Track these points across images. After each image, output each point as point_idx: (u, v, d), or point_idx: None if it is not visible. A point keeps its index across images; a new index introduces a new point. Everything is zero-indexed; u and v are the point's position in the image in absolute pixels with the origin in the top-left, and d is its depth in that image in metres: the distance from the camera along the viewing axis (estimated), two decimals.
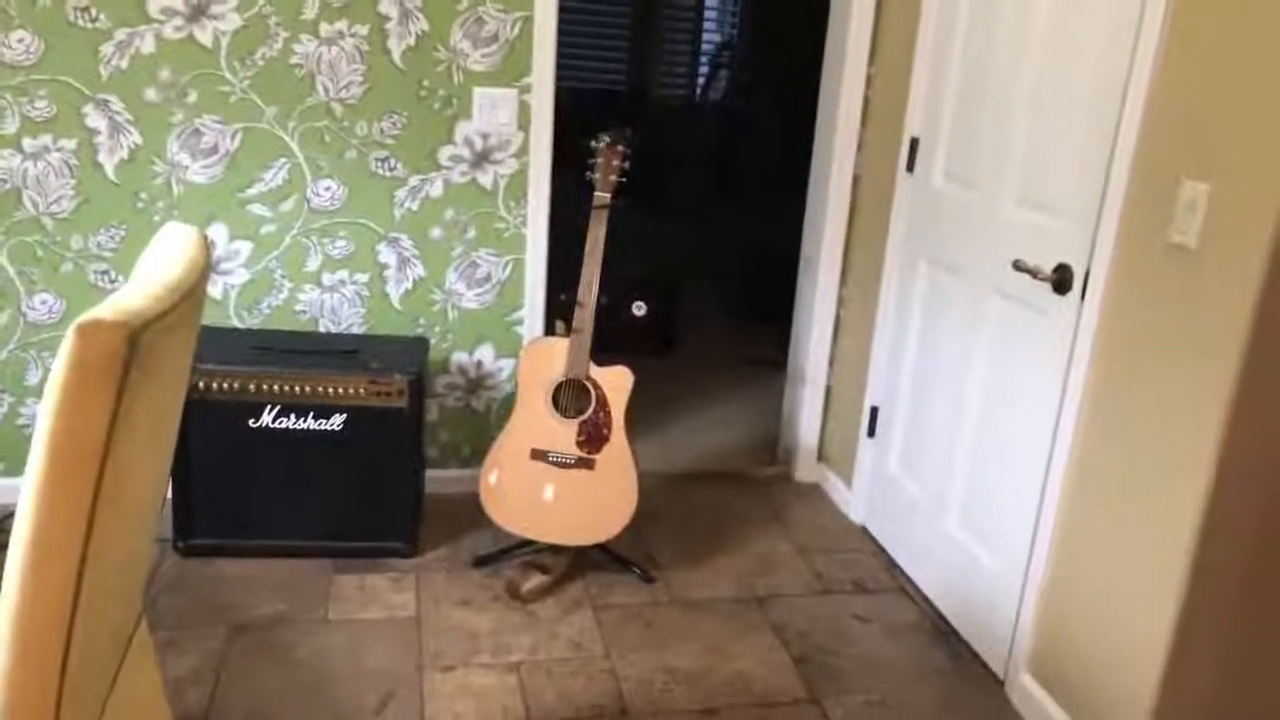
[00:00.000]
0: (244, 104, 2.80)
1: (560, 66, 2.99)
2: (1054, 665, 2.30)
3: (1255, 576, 1.93)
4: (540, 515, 2.71)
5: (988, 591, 2.55)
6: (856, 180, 3.27)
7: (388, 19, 2.80)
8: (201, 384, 2.61)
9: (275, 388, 2.65)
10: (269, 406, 2.65)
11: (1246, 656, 1.99)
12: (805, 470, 3.57)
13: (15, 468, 2.95)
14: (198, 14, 2.70)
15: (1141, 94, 2.01)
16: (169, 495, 2.66)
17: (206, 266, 1.28)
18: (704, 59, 6.88)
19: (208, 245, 1.33)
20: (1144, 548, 2.01)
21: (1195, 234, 1.87)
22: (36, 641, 1.02)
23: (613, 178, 2.64)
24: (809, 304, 3.46)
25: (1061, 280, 2.25)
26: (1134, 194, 2.04)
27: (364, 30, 2.80)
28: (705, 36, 6.85)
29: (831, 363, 3.47)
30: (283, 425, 2.67)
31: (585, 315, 2.63)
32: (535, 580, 2.71)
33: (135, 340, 1.00)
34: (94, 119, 2.73)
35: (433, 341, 3.11)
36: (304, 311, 3.02)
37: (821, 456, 3.56)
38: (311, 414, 2.67)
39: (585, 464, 2.68)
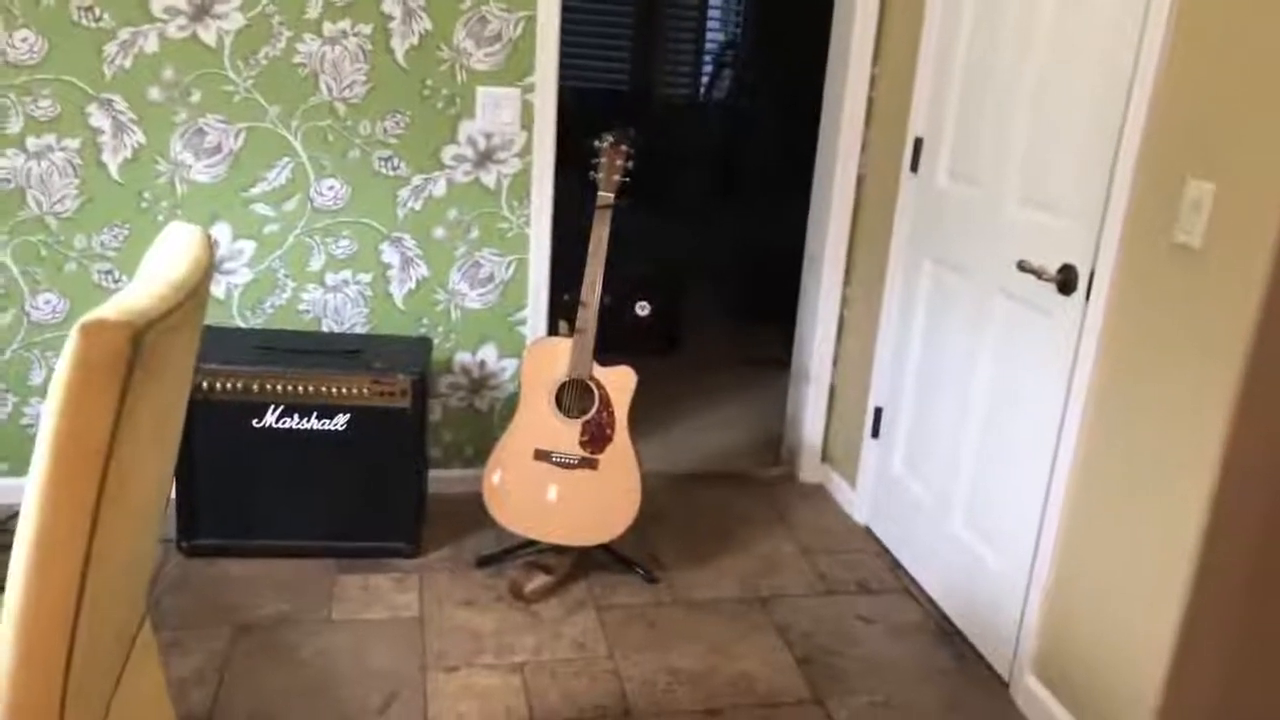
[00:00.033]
0: (247, 103, 2.80)
1: (563, 66, 2.98)
2: (1058, 666, 2.29)
3: (1260, 576, 1.93)
4: (543, 515, 2.71)
5: (992, 592, 2.54)
6: (860, 180, 3.27)
7: (391, 18, 2.80)
8: (205, 384, 2.61)
9: (279, 388, 2.65)
10: (272, 406, 2.65)
11: (1251, 656, 1.98)
12: (809, 471, 3.57)
13: (19, 467, 2.95)
14: (201, 13, 2.70)
15: (1146, 93, 2.00)
16: (173, 495, 2.66)
17: (210, 266, 1.28)
18: (707, 58, 6.88)
19: (211, 245, 1.33)
20: (1148, 548, 2.00)
21: (1200, 234, 1.86)
22: (40, 641, 1.02)
23: (616, 177, 2.64)
24: (813, 304, 3.45)
25: (1066, 280, 2.24)
26: (1138, 194, 2.04)
27: (367, 30, 2.80)
28: (709, 36, 6.85)
29: (835, 363, 3.47)
30: (286, 425, 2.67)
31: (588, 315, 2.63)
32: (538, 580, 2.71)
33: (139, 340, 1.00)
34: (98, 118, 2.73)
35: (436, 341, 3.11)
36: (307, 311, 3.01)
37: (825, 457, 3.56)
38: (315, 414, 2.67)
39: (588, 464, 2.68)
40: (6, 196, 2.75)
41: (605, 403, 2.66)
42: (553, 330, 3.23)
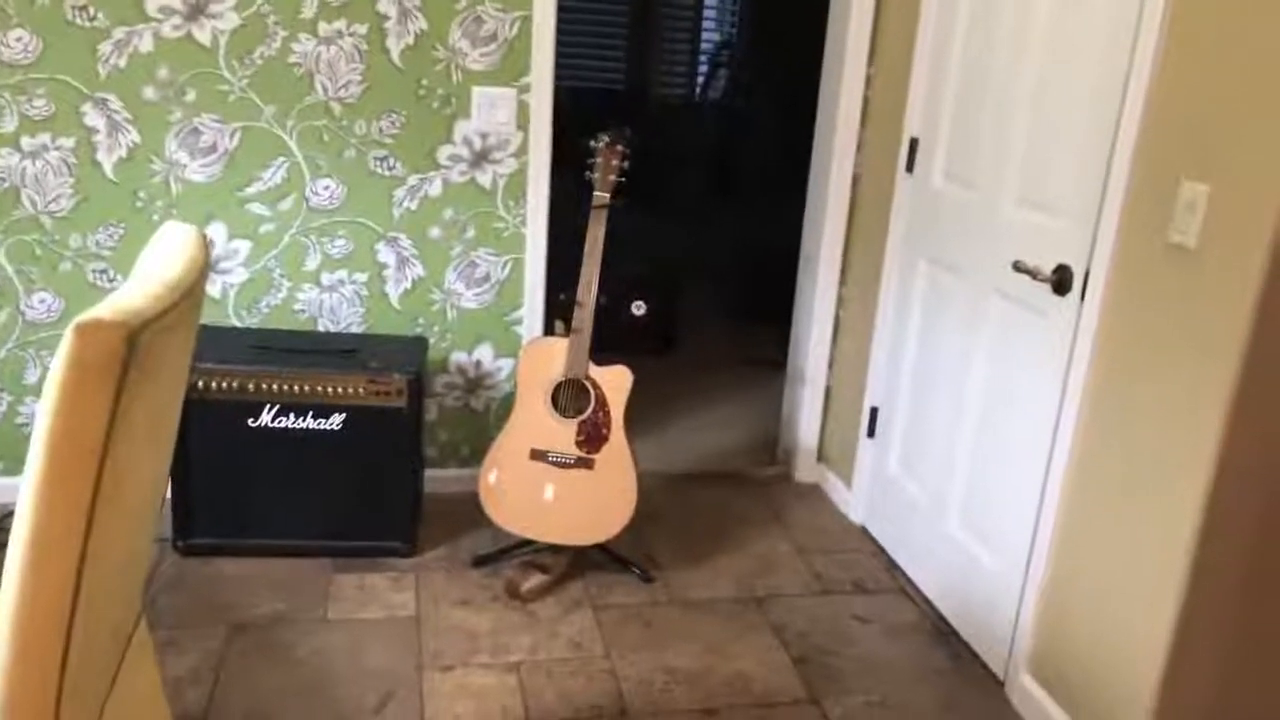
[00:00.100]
0: (242, 103, 2.79)
1: (559, 66, 2.98)
2: (1054, 666, 2.29)
3: (1255, 576, 1.93)
4: (540, 515, 2.71)
5: (988, 592, 2.55)
6: (856, 180, 3.27)
7: (386, 18, 2.80)
8: (200, 383, 2.61)
9: (274, 387, 2.64)
10: (268, 406, 2.65)
11: (1247, 656, 1.99)
12: (805, 471, 3.57)
13: (14, 467, 2.95)
14: (196, 13, 2.70)
15: (1141, 94, 2.01)
16: (168, 494, 2.65)
17: (205, 266, 1.28)
18: (703, 58, 6.88)
19: (206, 244, 1.33)
20: (1144, 548, 2.01)
21: (1195, 234, 1.87)
22: (36, 640, 1.02)
23: (612, 177, 2.64)
24: (808, 304, 3.45)
25: (1061, 281, 2.24)
26: (1133, 194, 2.04)
27: (363, 29, 2.80)
28: (704, 35, 6.85)
29: (831, 363, 3.47)
30: (282, 425, 2.66)
31: (584, 315, 2.63)
32: (535, 580, 2.71)
33: (134, 340, 1.00)
34: (92, 118, 2.73)
35: (432, 341, 3.10)
36: (303, 311, 3.01)
37: (821, 457, 3.56)
38: (310, 413, 2.67)
39: (584, 464, 2.68)
40: (1, 196, 2.74)
41: (601, 402, 2.66)
42: (549, 330, 3.23)
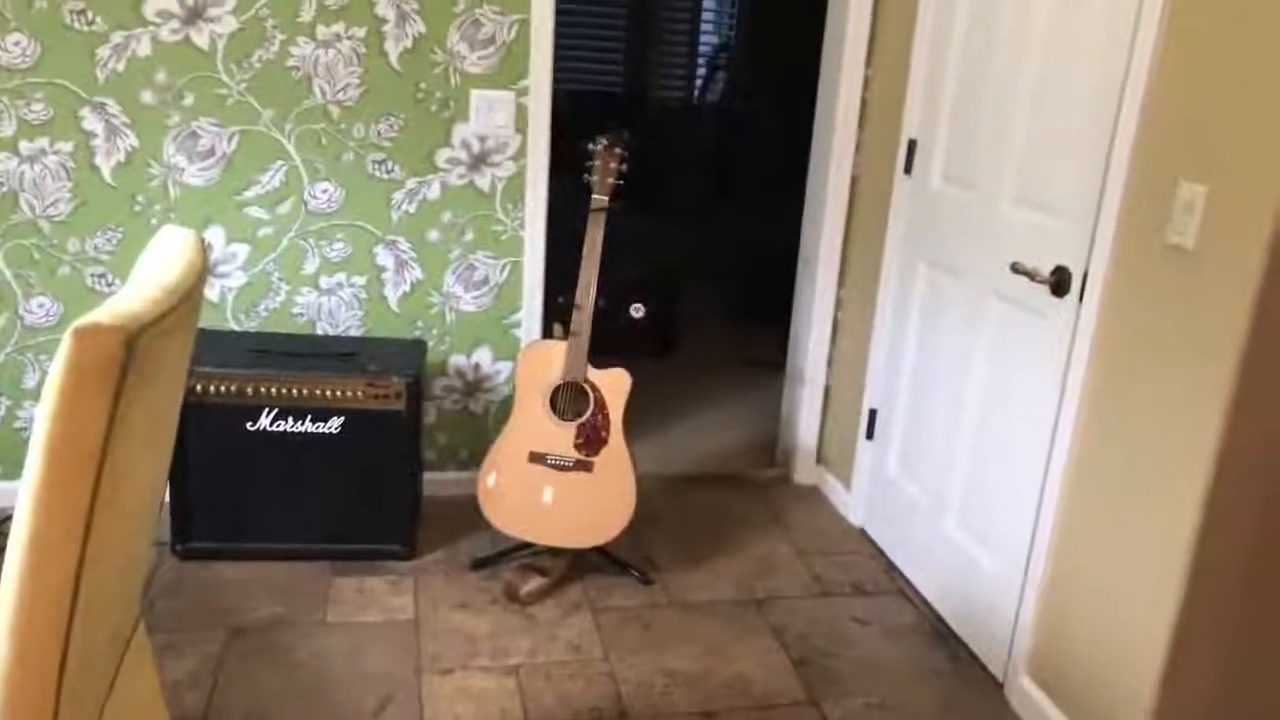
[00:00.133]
0: (241, 106, 2.80)
1: (557, 69, 2.99)
2: (1053, 667, 2.29)
3: (1255, 576, 1.93)
4: (538, 518, 2.71)
5: (987, 593, 2.55)
6: (854, 181, 3.28)
7: (385, 21, 2.80)
8: (199, 387, 2.61)
9: (273, 390, 2.64)
10: (267, 409, 2.65)
11: (1246, 657, 1.99)
12: (804, 472, 3.57)
13: (13, 471, 2.95)
14: (194, 17, 2.70)
15: (1139, 95, 2.01)
16: (167, 498, 2.65)
17: (204, 269, 1.28)
18: (701, 60, 6.88)
19: (205, 248, 1.33)
20: (1143, 548, 2.01)
21: (1193, 235, 1.87)
22: (34, 644, 1.02)
23: (610, 180, 2.64)
24: (807, 305, 3.46)
25: (1060, 282, 2.25)
26: (1132, 195, 2.05)
27: (361, 33, 2.80)
28: (703, 38, 6.86)
29: (830, 364, 3.47)
30: (280, 428, 2.66)
31: (583, 318, 2.63)
32: (534, 583, 2.71)
33: (132, 344, 1.00)
34: (90, 122, 2.73)
35: (430, 344, 3.10)
36: (301, 314, 3.01)
37: (820, 458, 3.56)
38: (309, 417, 2.67)
39: (583, 466, 2.68)
40: None
41: (600, 405, 2.66)
42: (547, 333, 3.23)
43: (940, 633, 2.70)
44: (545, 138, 2.98)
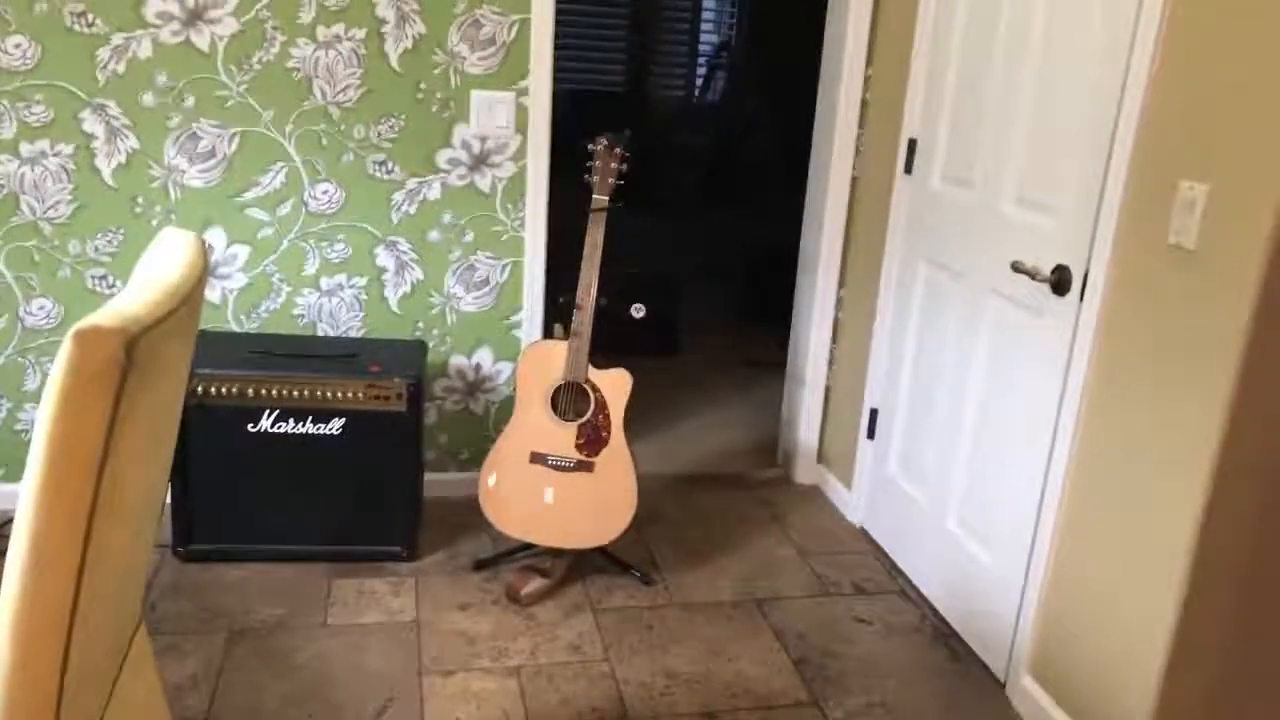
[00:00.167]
0: (241, 108, 2.80)
1: (558, 69, 2.99)
2: (1054, 666, 2.29)
3: (1256, 575, 1.93)
4: (539, 518, 2.71)
5: (988, 593, 2.55)
6: (855, 182, 3.27)
7: (385, 22, 2.80)
8: (200, 389, 2.61)
9: (274, 392, 2.64)
10: (267, 411, 2.65)
11: (1248, 655, 1.99)
12: (805, 472, 3.57)
13: (14, 473, 2.95)
14: (194, 18, 2.70)
15: (1139, 94, 2.01)
16: (168, 501, 2.65)
17: (204, 271, 1.28)
18: (702, 60, 6.89)
19: (205, 250, 1.33)
20: (1144, 547, 2.01)
21: (1194, 234, 1.87)
22: (35, 647, 1.01)
23: (611, 180, 2.64)
24: (808, 306, 3.46)
25: (1060, 281, 2.25)
26: (1132, 194, 2.04)
27: (361, 34, 2.80)
28: (703, 37, 6.86)
29: (831, 364, 3.47)
30: (281, 430, 2.66)
31: (584, 318, 2.63)
32: (535, 584, 2.70)
33: (133, 346, 1.00)
34: (91, 124, 2.73)
35: (431, 345, 3.10)
36: (302, 315, 3.01)
37: (821, 458, 3.56)
38: (310, 418, 2.67)
39: (584, 467, 2.68)
40: (0, 202, 2.74)
41: (601, 405, 2.66)
42: (548, 333, 3.23)
43: (941, 632, 2.70)
44: (546, 138, 2.98)
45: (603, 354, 2.68)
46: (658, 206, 5.95)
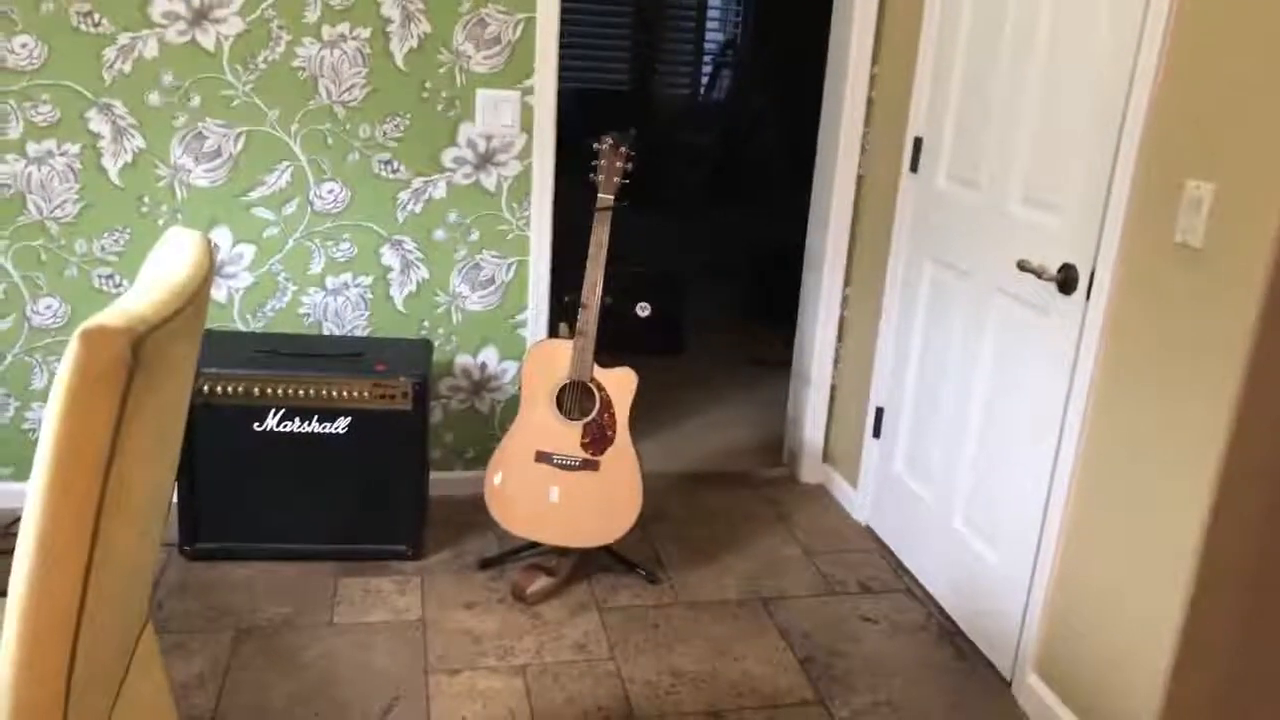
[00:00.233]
0: (247, 107, 2.80)
1: (563, 67, 2.99)
2: (1061, 665, 2.29)
3: (1263, 574, 1.93)
4: (545, 517, 2.71)
5: (994, 591, 2.54)
6: (860, 180, 3.27)
7: (390, 21, 2.81)
8: (206, 388, 2.61)
9: (280, 391, 2.65)
10: (273, 410, 2.65)
11: (1255, 653, 1.98)
12: (810, 471, 3.57)
13: (21, 472, 2.96)
14: (200, 18, 2.71)
15: (1146, 92, 2.00)
16: (174, 499, 2.66)
17: (210, 270, 1.28)
18: (707, 59, 6.88)
19: (211, 249, 1.33)
20: (1151, 547, 2.00)
21: (1201, 234, 1.86)
22: (43, 646, 1.02)
23: (616, 179, 2.64)
24: (813, 304, 3.45)
25: (1066, 280, 2.24)
26: (1139, 193, 2.04)
27: (366, 33, 2.80)
28: (708, 36, 6.86)
29: (836, 363, 3.47)
30: (287, 429, 2.67)
31: (589, 317, 2.63)
32: (540, 582, 2.71)
33: (140, 345, 1.00)
34: (97, 123, 2.74)
35: (437, 344, 3.11)
36: (308, 315, 3.02)
37: (827, 457, 3.56)
38: (316, 417, 2.67)
39: (590, 466, 2.68)
40: (7, 202, 2.75)
41: (606, 404, 2.66)
42: (553, 332, 3.23)
43: (947, 631, 2.69)
44: (551, 137, 2.97)
45: (608, 353, 2.69)
46: (663, 205, 5.95)
